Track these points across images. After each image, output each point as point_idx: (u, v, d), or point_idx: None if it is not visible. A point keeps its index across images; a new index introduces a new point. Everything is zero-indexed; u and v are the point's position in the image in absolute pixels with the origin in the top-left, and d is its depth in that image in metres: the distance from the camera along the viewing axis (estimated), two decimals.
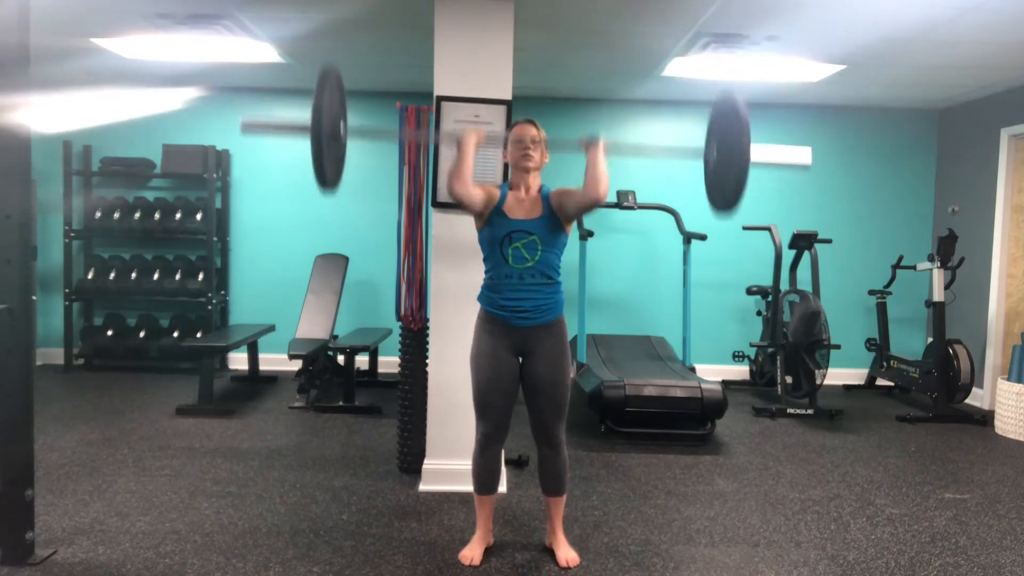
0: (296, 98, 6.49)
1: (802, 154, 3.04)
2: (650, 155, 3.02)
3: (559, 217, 2.78)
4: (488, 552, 2.96)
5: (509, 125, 3.53)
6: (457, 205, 2.76)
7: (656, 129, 6.58)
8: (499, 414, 2.82)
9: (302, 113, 6.60)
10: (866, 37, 4.43)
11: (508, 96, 3.58)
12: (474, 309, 2.91)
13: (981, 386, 5.82)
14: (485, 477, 2.89)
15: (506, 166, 2.98)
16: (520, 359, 2.83)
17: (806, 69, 5.15)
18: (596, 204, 2.65)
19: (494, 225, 2.77)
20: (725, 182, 2.63)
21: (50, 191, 6.42)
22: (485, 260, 2.85)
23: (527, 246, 2.75)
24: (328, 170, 2.60)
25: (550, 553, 2.97)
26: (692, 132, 6.57)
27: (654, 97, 6.37)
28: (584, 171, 2.67)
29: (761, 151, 2.76)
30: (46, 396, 5.34)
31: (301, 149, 6.44)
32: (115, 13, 4.31)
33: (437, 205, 3.62)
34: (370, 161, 6.44)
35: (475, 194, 2.72)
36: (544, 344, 2.79)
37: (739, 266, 6.52)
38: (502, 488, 3.64)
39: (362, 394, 5.51)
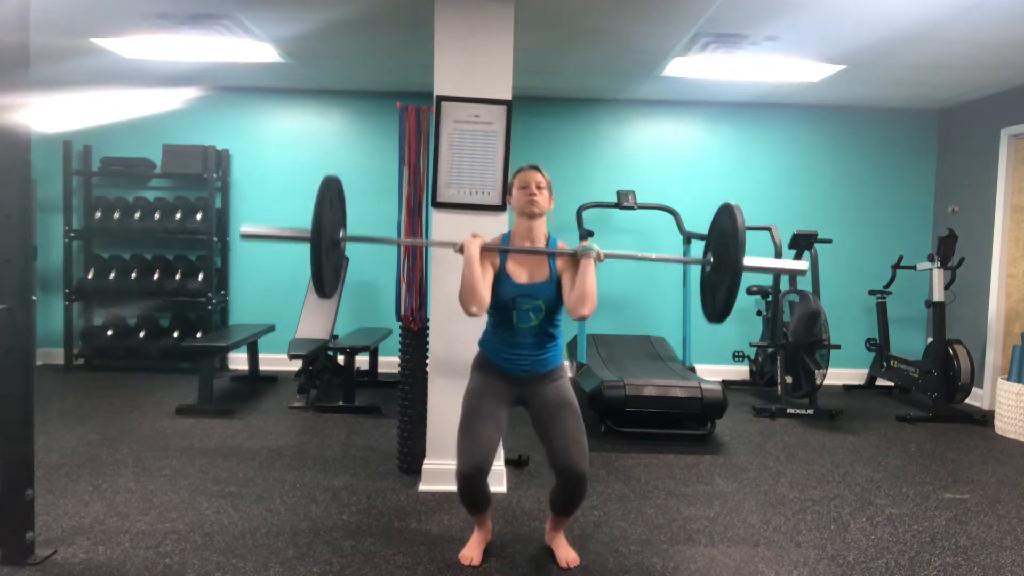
0: (296, 98, 6.49)
1: (798, 266, 3.11)
2: (647, 261, 3.03)
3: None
4: (488, 552, 2.96)
5: (508, 129, 3.55)
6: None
7: (656, 129, 6.59)
8: (482, 449, 2.68)
9: (302, 113, 6.62)
10: (866, 37, 4.43)
11: (508, 96, 3.58)
12: None
13: (981, 386, 5.82)
14: (474, 505, 2.84)
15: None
16: (519, 406, 2.81)
17: (806, 69, 5.15)
18: (578, 319, 2.64)
19: (498, 287, 2.70)
20: (716, 294, 2.69)
21: (50, 191, 6.42)
22: (489, 312, 2.78)
23: (533, 309, 2.70)
24: (327, 278, 2.65)
25: (550, 553, 2.97)
26: (692, 133, 6.57)
27: (654, 97, 6.37)
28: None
29: (758, 262, 2.83)
30: (46, 396, 5.34)
31: (301, 150, 6.51)
32: (115, 13, 4.31)
33: (437, 205, 3.62)
34: (370, 161, 6.46)
35: (489, 298, 2.67)
36: (547, 386, 2.77)
37: None
38: (502, 488, 3.65)
39: (362, 394, 5.51)
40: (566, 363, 2.91)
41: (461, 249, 2.67)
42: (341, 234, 2.80)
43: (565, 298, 2.67)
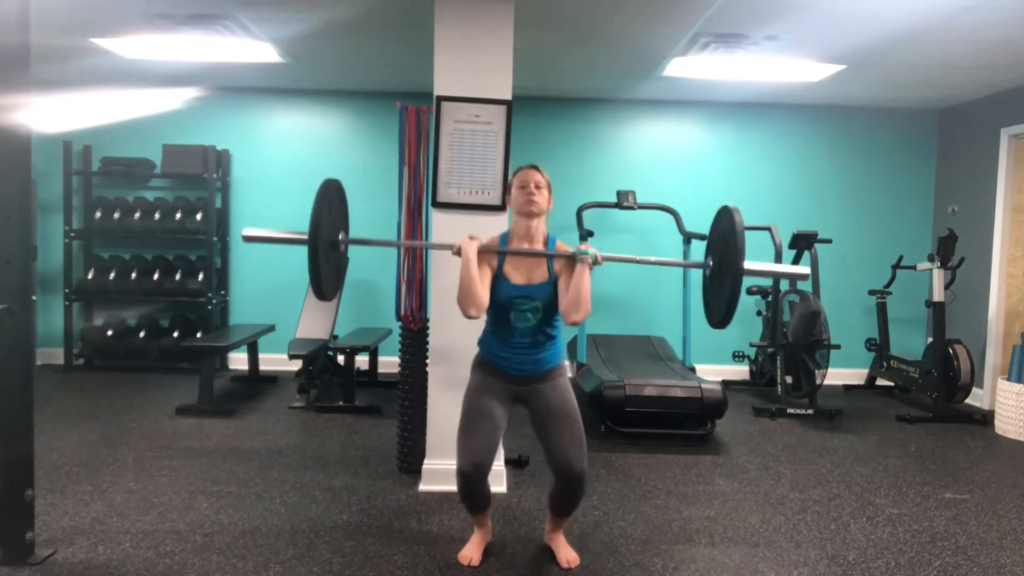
0: (296, 98, 6.49)
1: (799, 271, 3.02)
2: (646, 264, 3.02)
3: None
4: (488, 552, 2.96)
5: (508, 129, 3.55)
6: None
7: (656, 129, 6.58)
8: (482, 448, 2.69)
9: (302, 113, 6.60)
10: (866, 37, 4.42)
11: (508, 96, 3.58)
12: None
13: (981, 386, 5.82)
14: (475, 503, 2.84)
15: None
16: (518, 404, 2.80)
17: (806, 69, 5.15)
18: (571, 324, 2.63)
19: (496, 288, 2.69)
20: (718, 299, 2.68)
21: (50, 191, 6.42)
22: (487, 313, 2.78)
23: (531, 310, 2.69)
24: (325, 281, 2.68)
25: (550, 553, 2.97)
26: (692, 133, 6.57)
27: (654, 97, 6.37)
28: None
29: (760, 267, 2.78)
30: (46, 396, 5.34)
31: (301, 150, 6.51)
32: (115, 13, 4.31)
33: (437, 205, 3.62)
34: (370, 161, 6.46)
35: (487, 300, 2.66)
36: (546, 385, 2.76)
37: None
38: (502, 488, 3.65)
39: (362, 394, 5.51)
40: (566, 363, 2.91)
41: (459, 252, 2.66)
42: (341, 236, 2.82)
43: (560, 301, 2.65)
